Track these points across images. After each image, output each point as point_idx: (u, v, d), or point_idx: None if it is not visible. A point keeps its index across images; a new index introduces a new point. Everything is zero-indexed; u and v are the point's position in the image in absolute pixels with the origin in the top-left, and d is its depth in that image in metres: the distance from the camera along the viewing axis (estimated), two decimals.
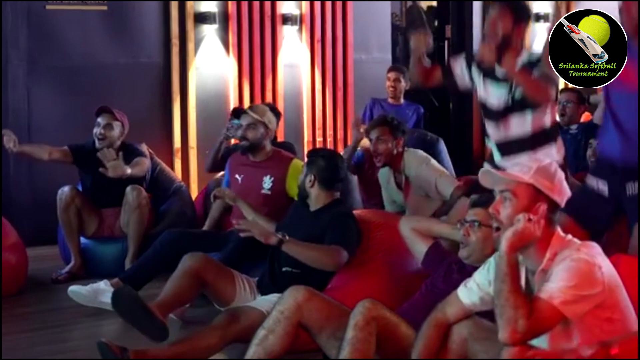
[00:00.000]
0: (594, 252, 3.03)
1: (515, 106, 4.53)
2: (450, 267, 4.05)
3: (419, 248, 4.28)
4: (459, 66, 4.79)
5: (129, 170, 5.92)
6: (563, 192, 3.11)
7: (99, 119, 6.26)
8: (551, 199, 3.07)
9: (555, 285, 2.93)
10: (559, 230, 3.10)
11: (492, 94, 4.62)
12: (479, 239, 3.88)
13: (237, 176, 5.64)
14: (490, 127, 4.70)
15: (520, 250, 3.07)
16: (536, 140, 4.57)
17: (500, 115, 4.60)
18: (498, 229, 3.11)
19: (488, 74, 4.64)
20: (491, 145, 4.75)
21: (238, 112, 5.77)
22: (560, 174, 3.13)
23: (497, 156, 4.69)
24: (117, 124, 6.27)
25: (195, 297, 4.36)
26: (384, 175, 5.84)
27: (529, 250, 3.08)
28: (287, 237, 4.44)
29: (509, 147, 4.61)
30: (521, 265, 3.12)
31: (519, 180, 3.07)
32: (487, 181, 3.19)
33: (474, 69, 4.72)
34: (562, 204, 3.10)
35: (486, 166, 4.79)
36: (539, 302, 2.92)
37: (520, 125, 4.55)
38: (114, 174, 5.82)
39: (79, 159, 6.31)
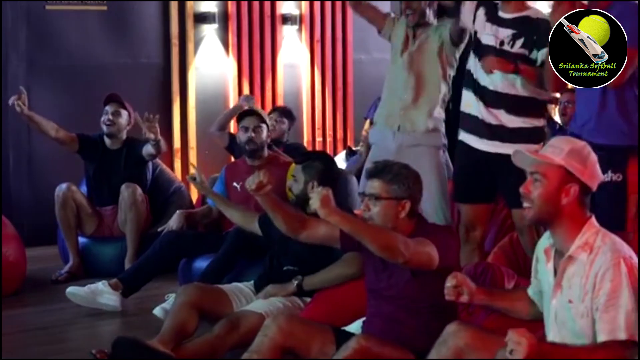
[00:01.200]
0: (629, 249, 3.03)
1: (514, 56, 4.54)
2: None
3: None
4: (470, 6, 4.79)
5: (159, 137, 6.00)
6: (595, 176, 3.09)
7: (107, 107, 6.32)
8: (582, 182, 3.05)
9: (612, 316, 2.93)
10: (593, 219, 3.08)
11: (488, 31, 4.63)
12: (379, 213, 3.70)
13: (235, 184, 5.58)
14: (477, 71, 4.68)
15: (549, 227, 3.09)
16: (524, 103, 4.56)
17: (491, 53, 4.59)
18: (528, 207, 3.10)
19: (492, 15, 4.65)
20: (469, 94, 4.72)
21: (244, 114, 5.71)
22: (593, 157, 3.10)
23: (474, 107, 4.67)
24: (124, 112, 6.34)
25: (196, 329, 4.26)
26: None
27: (557, 229, 3.08)
28: (301, 279, 4.43)
29: (491, 97, 4.59)
30: (551, 247, 3.14)
31: (549, 162, 3.06)
32: (518, 161, 3.17)
33: (480, 11, 4.72)
34: (594, 188, 3.08)
35: (461, 136, 4.80)
36: (609, 346, 2.92)
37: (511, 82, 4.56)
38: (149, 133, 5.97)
39: (85, 148, 6.35)
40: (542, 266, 3.18)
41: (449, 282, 3.30)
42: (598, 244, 3.01)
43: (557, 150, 3.07)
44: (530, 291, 3.34)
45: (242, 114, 5.74)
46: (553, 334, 3.10)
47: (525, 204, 3.11)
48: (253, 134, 5.54)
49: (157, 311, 4.85)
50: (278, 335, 3.70)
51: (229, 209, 4.96)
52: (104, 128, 6.31)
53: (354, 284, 4.32)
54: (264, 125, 5.58)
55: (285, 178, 5.39)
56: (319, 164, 4.71)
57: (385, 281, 3.75)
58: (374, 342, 3.58)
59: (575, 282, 3.02)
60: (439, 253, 3.56)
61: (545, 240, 3.20)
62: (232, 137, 6.78)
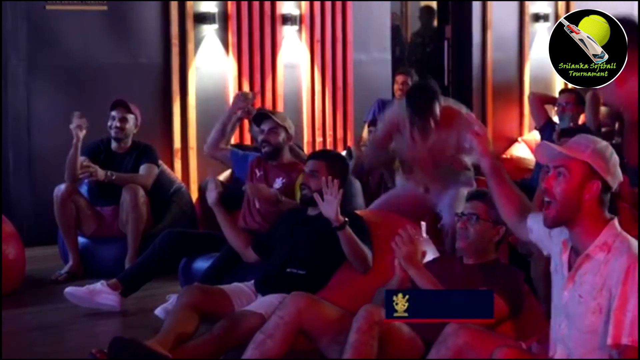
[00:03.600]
0: None
1: None
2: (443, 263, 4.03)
3: None
4: None
5: (101, 175, 6.13)
6: (616, 176, 3.09)
7: (114, 113, 6.34)
8: (604, 180, 3.05)
9: (619, 320, 2.93)
10: (615, 221, 3.08)
11: None
12: (477, 232, 3.86)
13: (257, 171, 5.61)
14: None
15: (568, 226, 3.08)
16: None
17: None
18: (549, 203, 3.08)
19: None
20: None
21: (260, 117, 5.69)
22: (616, 158, 3.10)
23: None
24: (131, 117, 6.37)
25: (196, 330, 4.24)
26: None
27: (576, 227, 3.07)
28: (348, 222, 4.42)
29: None
30: (568, 241, 3.13)
31: (575, 157, 3.05)
32: (543, 155, 3.17)
33: None
34: (614, 187, 3.09)
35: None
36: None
37: None
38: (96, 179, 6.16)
39: (97, 160, 6.33)
40: (560, 254, 3.17)
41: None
42: (616, 245, 3.01)
43: (583, 146, 3.08)
44: (530, 221, 3.32)
45: (258, 117, 5.71)
46: (564, 324, 3.10)
47: (546, 199, 3.09)
48: (267, 136, 5.52)
49: (159, 312, 4.85)
50: (295, 318, 3.73)
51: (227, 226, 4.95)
52: (112, 133, 6.33)
53: (367, 283, 4.35)
54: (280, 128, 5.55)
55: (296, 179, 5.42)
56: (342, 165, 4.76)
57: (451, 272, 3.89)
58: (383, 311, 3.59)
59: (586, 279, 3.03)
60: (508, 301, 3.67)
61: (563, 234, 3.18)
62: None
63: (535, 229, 3.29)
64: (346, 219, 4.42)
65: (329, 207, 4.40)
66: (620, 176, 3.12)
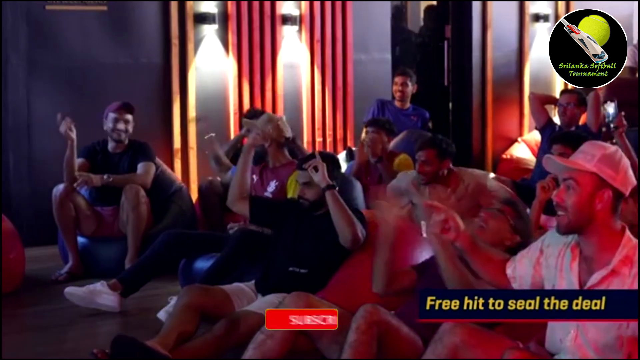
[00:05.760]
0: None
1: None
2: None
3: None
4: None
5: (97, 181, 6.14)
6: (627, 181, 3.03)
7: (116, 115, 6.31)
8: (615, 188, 3.00)
9: None
10: (628, 231, 3.04)
11: None
12: (493, 227, 3.88)
13: (254, 176, 5.62)
14: None
15: (581, 234, 3.03)
16: None
17: None
18: (562, 214, 3.03)
19: None
20: None
21: (253, 117, 5.74)
22: (625, 162, 3.04)
23: None
24: (131, 118, 6.36)
25: (196, 330, 4.25)
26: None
27: (590, 237, 3.02)
28: (336, 188, 4.55)
29: None
30: (577, 246, 3.07)
31: (581, 169, 3.01)
32: (550, 167, 3.14)
33: None
34: (627, 193, 3.04)
35: None
36: None
37: None
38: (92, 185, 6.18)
39: (94, 162, 6.35)
40: (565, 263, 3.11)
41: (439, 217, 3.16)
42: (637, 257, 2.98)
43: (589, 156, 3.02)
44: (510, 271, 3.25)
45: (251, 117, 5.78)
46: (573, 334, 3.03)
47: (560, 212, 3.04)
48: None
49: (161, 315, 4.84)
50: None
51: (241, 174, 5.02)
52: (115, 135, 6.31)
53: (368, 269, 4.35)
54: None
55: (287, 179, 5.44)
56: (330, 164, 4.76)
57: None
58: (382, 310, 3.59)
59: None
60: None
61: (564, 237, 3.13)
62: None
63: (517, 276, 3.23)
64: (334, 184, 4.58)
65: (318, 173, 4.57)
66: (633, 180, 3.05)
